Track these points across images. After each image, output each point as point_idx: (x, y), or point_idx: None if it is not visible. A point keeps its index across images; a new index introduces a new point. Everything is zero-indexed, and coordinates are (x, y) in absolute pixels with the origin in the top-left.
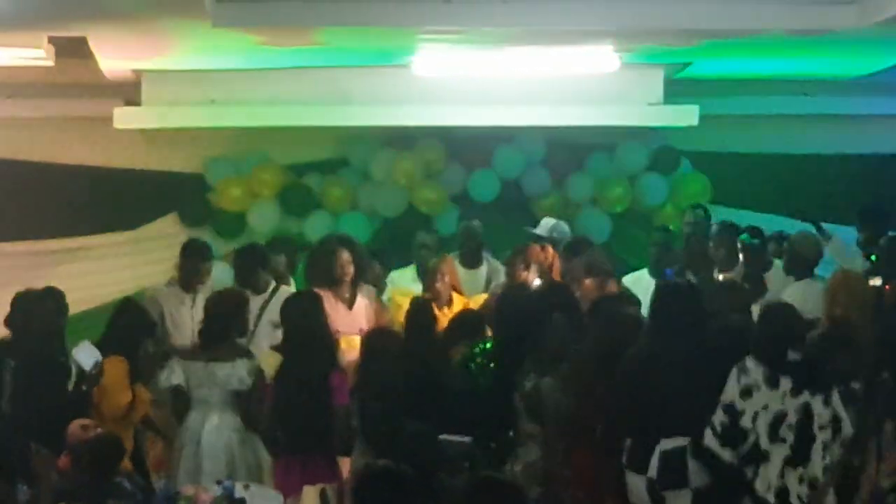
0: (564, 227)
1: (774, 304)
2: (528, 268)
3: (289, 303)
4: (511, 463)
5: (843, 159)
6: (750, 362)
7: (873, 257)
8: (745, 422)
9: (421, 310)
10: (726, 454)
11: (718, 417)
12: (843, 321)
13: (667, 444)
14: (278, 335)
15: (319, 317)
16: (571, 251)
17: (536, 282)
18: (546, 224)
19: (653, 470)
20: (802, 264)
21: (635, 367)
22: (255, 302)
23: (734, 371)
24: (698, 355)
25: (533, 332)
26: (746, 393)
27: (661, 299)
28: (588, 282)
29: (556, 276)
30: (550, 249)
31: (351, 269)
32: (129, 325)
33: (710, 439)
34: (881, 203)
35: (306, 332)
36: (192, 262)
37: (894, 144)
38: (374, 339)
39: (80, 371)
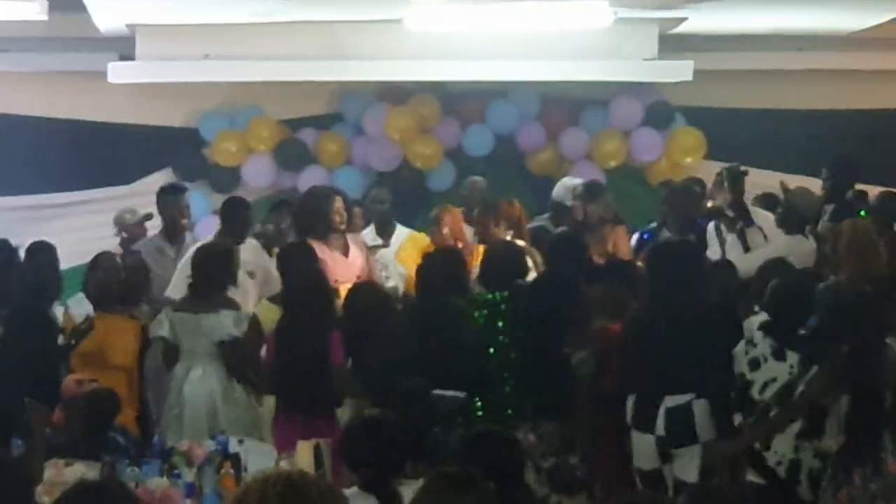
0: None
1: (785, 283)
2: (497, 224)
3: (285, 254)
4: (525, 430)
5: (837, 114)
6: (757, 335)
7: (863, 213)
8: (755, 393)
9: (445, 259)
10: (737, 419)
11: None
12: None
13: (671, 401)
14: (248, 285)
15: (317, 268)
16: (589, 196)
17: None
18: (569, 182)
19: (660, 428)
20: (797, 220)
21: (637, 325)
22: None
23: (742, 343)
24: (699, 312)
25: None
26: (755, 365)
27: (659, 257)
28: (608, 228)
29: (524, 234)
30: (518, 204)
31: (345, 217)
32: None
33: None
34: (848, 155)
35: (306, 283)
36: (168, 207)
37: (889, 99)
38: (360, 294)
39: (73, 325)
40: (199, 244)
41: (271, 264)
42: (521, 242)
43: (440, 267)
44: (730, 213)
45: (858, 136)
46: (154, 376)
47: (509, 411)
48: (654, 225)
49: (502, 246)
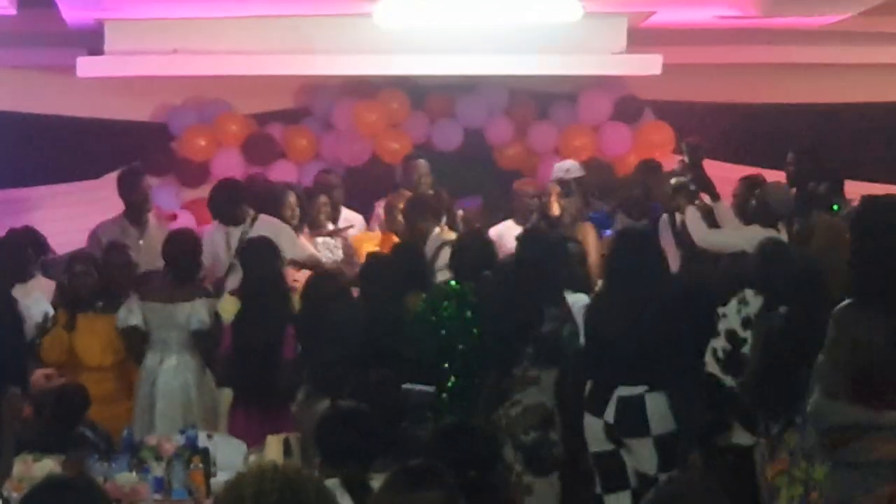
0: (576, 165)
1: (773, 241)
2: (425, 217)
3: (246, 248)
4: (506, 406)
5: (808, 108)
6: (749, 293)
7: (835, 207)
8: (747, 349)
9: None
10: (728, 381)
11: (720, 343)
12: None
13: (624, 390)
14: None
15: (276, 264)
16: (564, 192)
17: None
18: (562, 166)
19: (609, 415)
20: (770, 214)
21: (596, 311)
22: (234, 233)
23: (734, 301)
24: (658, 303)
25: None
26: (747, 323)
27: (618, 245)
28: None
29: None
30: (445, 195)
31: (298, 212)
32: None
33: (711, 365)
34: (812, 144)
35: (263, 279)
36: (132, 190)
37: (858, 93)
38: (317, 285)
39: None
40: (168, 232)
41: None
42: (451, 235)
43: (397, 262)
44: (692, 188)
45: (829, 131)
46: None
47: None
48: (604, 209)
49: (471, 236)
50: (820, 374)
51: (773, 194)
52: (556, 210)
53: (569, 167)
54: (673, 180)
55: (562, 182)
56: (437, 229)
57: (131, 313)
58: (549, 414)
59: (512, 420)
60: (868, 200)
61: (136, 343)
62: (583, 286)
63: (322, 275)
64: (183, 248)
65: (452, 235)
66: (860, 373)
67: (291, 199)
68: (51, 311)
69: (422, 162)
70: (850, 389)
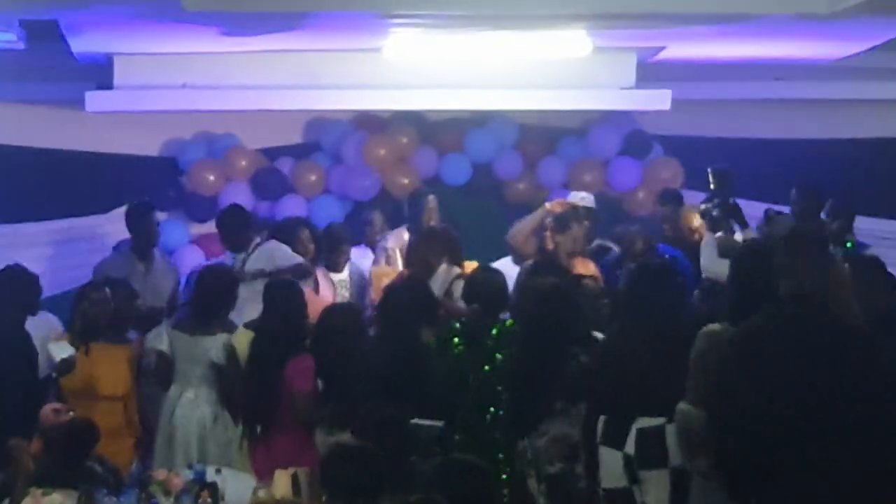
0: (589, 197)
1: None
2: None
3: (272, 288)
4: (532, 437)
5: (816, 144)
6: None
7: (848, 244)
8: None
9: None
10: None
11: None
12: None
13: (644, 422)
14: (257, 286)
15: (303, 309)
16: (558, 227)
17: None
18: (574, 196)
19: (630, 446)
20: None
21: (614, 346)
22: (238, 259)
23: None
24: (677, 335)
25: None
26: None
27: (636, 278)
28: (578, 261)
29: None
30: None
31: (311, 249)
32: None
33: None
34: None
35: (285, 319)
36: (141, 224)
37: (867, 129)
38: (332, 317)
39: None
40: (205, 265)
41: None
42: (456, 269)
43: (407, 298)
44: (714, 213)
45: (838, 166)
46: (148, 401)
47: (496, 435)
48: (614, 251)
49: (486, 271)
50: (687, 385)
51: (778, 227)
52: (549, 245)
53: (584, 196)
54: (702, 206)
55: (559, 218)
56: (443, 265)
57: (159, 338)
58: (575, 446)
59: (537, 451)
60: (749, 244)
61: (162, 367)
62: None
63: (338, 305)
64: (214, 282)
65: (458, 270)
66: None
67: (303, 235)
68: (74, 353)
69: (430, 197)
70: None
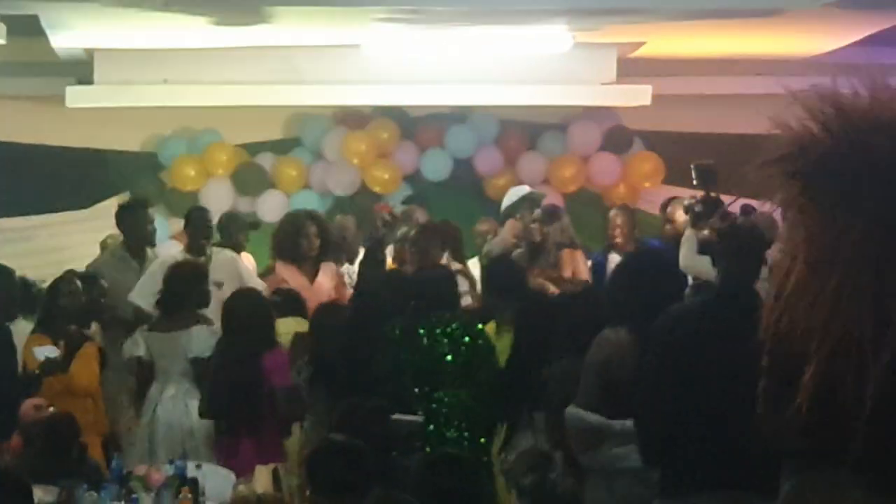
0: (535, 192)
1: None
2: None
3: (235, 300)
4: (507, 450)
5: None
6: None
7: None
8: None
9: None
10: None
11: None
12: None
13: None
14: (220, 294)
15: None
16: (547, 219)
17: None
18: (518, 191)
19: None
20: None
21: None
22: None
23: None
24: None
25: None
26: None
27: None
28: (566, 252)
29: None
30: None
31: (317, 244)
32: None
33: None
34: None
35: (241, 305)
36: (133, 223)
37: None
38: (321, 315)
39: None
40: (172, 262)
41: (248, 277)
42: (457, 265)
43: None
44: (697, 209)
45: None
46: (113, 399)
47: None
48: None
49: (501, 261)
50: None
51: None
52: (537, 237)
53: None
54: (685, 201)
55: (547, 209)
56: (444, 258)
57: (136, 345)
58: (544, 456)
59: (511, 465)
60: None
61: (141, 375)
62: None
63: (329, 303)
64: (183, 277)
65: (459, 265)
66: (607, 385)
67: (310, 229)
68: (56, 354)
69: (416, 208)
70: (601, 399)
